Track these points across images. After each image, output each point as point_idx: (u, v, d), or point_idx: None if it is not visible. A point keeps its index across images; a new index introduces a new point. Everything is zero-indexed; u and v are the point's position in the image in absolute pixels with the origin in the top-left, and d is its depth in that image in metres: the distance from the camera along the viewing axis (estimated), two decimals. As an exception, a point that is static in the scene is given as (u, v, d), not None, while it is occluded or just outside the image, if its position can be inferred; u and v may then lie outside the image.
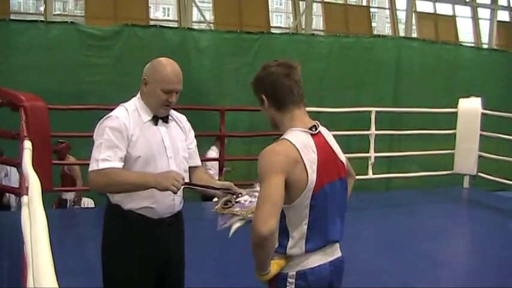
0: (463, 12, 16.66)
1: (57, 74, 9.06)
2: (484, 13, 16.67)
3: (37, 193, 2.58)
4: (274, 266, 2.37)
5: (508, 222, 7.14)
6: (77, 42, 9.28)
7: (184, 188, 2.79)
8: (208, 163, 8.67)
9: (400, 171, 9.95)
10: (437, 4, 16.03)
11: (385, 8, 17.54)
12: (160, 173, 2.71)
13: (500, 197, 9.31)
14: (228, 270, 5.10)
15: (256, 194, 2.48)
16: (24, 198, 3.20)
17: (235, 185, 2.76)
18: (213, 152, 8.84)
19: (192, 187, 2.87)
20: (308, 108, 2.51)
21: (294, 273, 2.39)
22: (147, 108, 2.87)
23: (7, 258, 5.10)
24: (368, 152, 8.38)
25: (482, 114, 8.52)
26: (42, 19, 11.13)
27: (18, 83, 7.85)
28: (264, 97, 2.43)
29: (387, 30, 19.76)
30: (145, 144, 2.80)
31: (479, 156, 8.59)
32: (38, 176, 3.02)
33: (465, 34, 17.09)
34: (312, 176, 2.32)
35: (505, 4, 17.13)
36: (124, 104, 2.92)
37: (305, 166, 2.31)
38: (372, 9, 16.74)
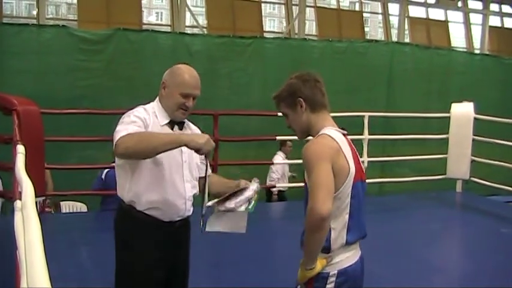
0: (455, 17, 16.74)
1: (49, 78, 9.05)
2: (476, 18, 16.75)
3: (31, 198, 2.57)
4: (318, 264, 2.47)
5: (500, 227, 7.15)
6: (69, 46, 9.26)
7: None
8: (273, 167, 9.15)
9: (393, 175, 9.98)
10: (429, 9, 16.11)
11: (377, 13, 17.56)
12: (193, 134, 2.83)
13: (492, 201, 9.34)
14: (223, 275, 5.08)
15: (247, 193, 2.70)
16: (18, 203, 3.17)
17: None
18: (279, 157, 9.22)
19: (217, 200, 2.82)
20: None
21: (336, 272, 2.51)
22: (165, 112, 2.92)
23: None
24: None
25: (475, 119, 8.54)
26: (35, 23, 11.09)
27: (10, 87, 7.83)
28: (301, 100, 2.62)
29: (380, 35, 19.76)
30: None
31: (472, 161, 8.62)
32: (31, 181, 3.00)
33: (457, 39, 17.15)
34: (352, 165, 2.50)
35: (497, 10, 17.23)
36: (142, 106, 2.96)
37: (345, 156, 2.49)
38: (364, 14, 16.74)
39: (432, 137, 9.37)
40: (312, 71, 2.75)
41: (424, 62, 12.51)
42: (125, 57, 9.63)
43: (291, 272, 2.69)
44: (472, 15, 16.72)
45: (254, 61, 10.71)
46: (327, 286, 2.49)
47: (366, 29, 17.32)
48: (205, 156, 2.81)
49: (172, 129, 2.93)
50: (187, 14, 13.14)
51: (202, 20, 13.93)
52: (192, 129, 3.08)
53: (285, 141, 9.08)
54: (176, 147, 2.70)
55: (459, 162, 8.63)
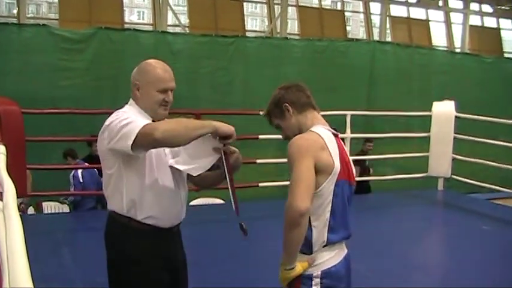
0: (436, 16, 16.89)
1: (31, 77, 8.95)
2: (456, 17, 16.91)
3: (12, 199, 2.54)
4: (298, 265, 2.45)
5: (482, 224, 7.22)
6: (50, 46, 9.18)
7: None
8: None
9: (375, 174, 10.01)
10: (410, 9, 16.24)
11: (359, 12, 17.67)
12: (220, 123, 2.65)
13: (474, 199, 9.41)
14: (208, 274, 5.08)
15: None
16: (-2, 204, 3.14)
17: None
18: None
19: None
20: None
21: (319, 272, 2.50)
22: (145, 114, 2.75)
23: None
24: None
25: (456, 117, 8.60)
26: (15, 22, 11.00)
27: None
28: (287, 105, 2.64)
29: (361, 34, 19.89)
30: (148, 152, 2.69)
31: (453, 159, 8.68)
32: (13, 181, 2.97)
33: (438, 38, 17.31)
34: (337, 163, 2.48)
35: (477, 9, 17.40)
36: (121, 109, 2.77)
37: (330, 153, 2.48)
38: (346, 14, 16.86)
39: (414, 135, 9.44)
40: (295, 81, 2.79)
41: (405, 61, 12.58)
42: (106, 57, 9.56)
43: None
44: (452, 15, 16.88)
45: (236, 60, 10.70)
46: (313, 287, 2.48)
47: (348, 28, 17.44)
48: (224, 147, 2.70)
49: None
50: (169, 13, 13.11)
51: (184, 19, 13.93)
52: None
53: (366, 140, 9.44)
54: (206, 133, 2.59)
55: (440, 160, 8.68)
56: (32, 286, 1.47)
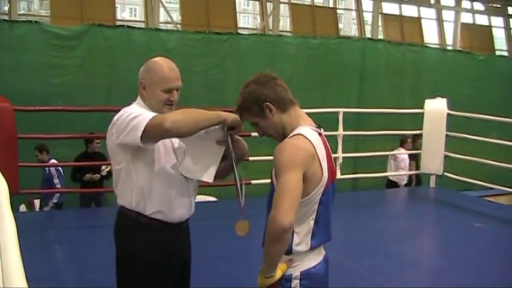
0: (428, 14, 16.92)
1: (23, 74, 8.91)
2: (448, 15, 16.95)
3: (5, 196, 2.53)
4: (278, 271, 2.39)
5: (473, 221, 7.25)
6: (42, 43, 9.14)
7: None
8: (401, 163, 9.63)
9: (366, 171, 10.04)
10: (402, 6, 16.25)
11: (351, 10, 17.69)
12: (226, 113, 2.63)
13: (466, 196, 9.45)
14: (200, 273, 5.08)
15: None
16: (-9, 202, 3.12)
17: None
18: (402, 153, 9.66)
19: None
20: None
21: (298, 273, 2.43)
22: (151, 112, 2.70)
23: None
24: (335, 153, 8.42)
25: (448, 114, 8.63)
26: (6, 18, 10.94)
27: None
28: (269, 104, 2.46)
29: (353, 32, 19.92)
30: (160, 144, 2.70)
31: (445, 156, 8.71)
32: (5, 179, 2.95)
33: (430, 36, 17.34)
34: (325, 171, 2.40)
35: (469, 7, 17.45)
36: (129, 106, 2.78)
37: (320, 161, 2.38)
38: (338, 11, 16.86)
39: (406, 132, 9.47)
40: (265, 71, 2.56)
41: (397, 59, 12.61)
42: (99, 54, 9.53)
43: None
44: (444, 12, 16.92)
45: (230, 57, 10.69)
46: None
47: (340, 26, 17.44)
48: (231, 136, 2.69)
49: None
50: (162, 10, 13.08)
51: (176, 17, 13.89)
52: None
53: (405, 137, 9.66)
54: (214, 125, 2.60)
55: (433, 157, 8.71)
56: (26, 285, 1.47)
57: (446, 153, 8.72)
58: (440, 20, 16.79)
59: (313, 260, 2.48)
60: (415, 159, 9.69)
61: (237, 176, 2.74)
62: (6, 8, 11.96)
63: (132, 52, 9.61)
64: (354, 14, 16.88)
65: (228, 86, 10.47)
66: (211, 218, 6.27)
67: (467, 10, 17.33)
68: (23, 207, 8.27)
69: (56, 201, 8.00)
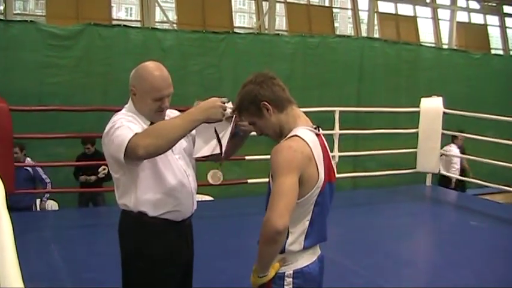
0: (423, 13, 16.95)
1: (18, 74, 8.87)
2: (444, 14, 16.98)
3: (1, 196, 2.53)
4: (271, 270, 2.40)
5: (469, 220, 7.26)
6: (38, 42, 9.08)
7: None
8: (453, 159, 9.82)
9: (365, 170, 10.05)
10: (398, 5, 16.27)
11: (347, 9, 17.70)
12: (202, 106, 2.56)
13: (461, 194, 9.47)
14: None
15: None
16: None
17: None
18: (453, 149, 9.77)
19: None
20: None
21: (291, 272, 2.44)
22: (142, 117, 2.75)
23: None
24: (332, 152, 8.42)
25: (444, 113, 8.64)
26: (2, 18, 10.91)
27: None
28: (267, 104, 2.45)
29: (349, 31, 19.92)
30: None
31: (441, 155, 8.72)
32: (1, 179, 2.95)
33: (426, 34, 17.37)
34: (322, 173, 2.40)
35: (464, 5, 17.48)
36: (119, 113, 2.76)
37: (316, 163, 2.38)
38: (334, 10, 16.85)
39: (403, 131, 9.47)
40: (263, 70, 2.56)
41: (393, 57, 12.59)
42: (96, 53, 9.49)
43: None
44: (440, 11, 16.94)
45: (226, 57, 10.65)
46: (285, 287, 2.43)
47: (336, 24, 17.45)
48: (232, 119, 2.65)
49: None
50: (157, 10, 13.06)
51: (172, 16, 13.87)
52: (174, 113, 2.91)
53: (457, 133, 9.64)
54: (195, 128, 2.57)
55: (429, 156, 8.72)
56: (22, 285, 1.47)
57: (442, 151, 8.73)
58: (436, 19, 16.82)
59: (307, 259, 2.48)
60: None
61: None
62: (2, 8, 11.93)
63: (128, 52, 9.57)
64: (349, 12, 16.89)
65: (224, 86, 10.43)
66: (207, 217, 6.26)
67: (462, 9, 17.36)
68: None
69: (48, 195, 7.99)
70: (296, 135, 2.40)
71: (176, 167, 2.76)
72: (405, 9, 16.57)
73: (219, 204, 7.81)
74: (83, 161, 8.12)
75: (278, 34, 12.54)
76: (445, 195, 8.84)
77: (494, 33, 18.35)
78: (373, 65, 12.21)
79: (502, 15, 18.05)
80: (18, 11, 13.19)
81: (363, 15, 16.15)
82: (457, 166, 10.01)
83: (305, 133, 2.42)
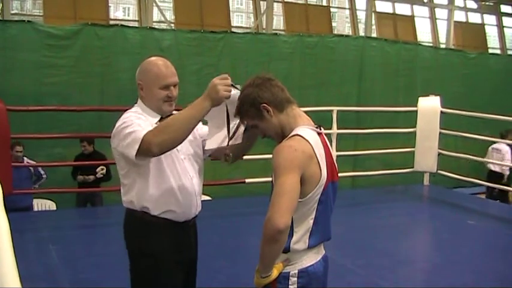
0: (421, 12, 16.96)
1: (16, 74, 8.86)
2: (441, 13, 16.99)
3: (-2, 197, 2.52)
4: (274, 271, 2.41)
5: (467, 219, 7.28)
6: (35, 42, 9.07)
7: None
8: (506, 156, 9.92)
9: (365, 169, 10.05)
10: (396, 4, 16.27)
11: (345, 8, 17.71)
12: (208, 91, 2.56)
13: (459, 194, 9.49)
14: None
15: None
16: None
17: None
18: (504, 146, 9.99)
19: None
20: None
21: (296, 271, 2.44)
22: (152, 111, 2.79)
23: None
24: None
25: (442, 112, 8.65)
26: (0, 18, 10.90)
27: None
28: (267, 106, 2.47)
29: (347, 30, 19.93)
30: None
31: (439, 154, 8.73)
32: (-1, 179, 2.95)
33: (423, 34, 17.38)
34: (324, 171, 2.40)
35: (462, 5, 17.50)
36: (129, 111, 2.79)
37: (318, 161, 2.39)
38: (332, 9, 16.86)
39: (400, 130, 9.48)
40: (261, 72, 2.59)
41: (392, 57, 12.60)
42: (93, 53, 9.47)
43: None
44: (437, 10, 16.95)
45: (225, 56, 10.64)
46: (290, 287, 2.43)
47: (334, 24, 17.46)
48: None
49: None
50: (155, 9, 13.05)
51: (169, 16, 13.86)
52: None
53: (508, 131, 9.78)
54: (205, 114, 2.58)
55: (426, 155, 8.73)
56: (20, 285, 1.47)
57: (440, 150, 8.74)
58: (433, 18, 16.82)
59: (312, 259, 2.48)
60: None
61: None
62: (-1, 8, 11.92)
63: (126, 51, 9.57)
64: (347, 12, 16.89)
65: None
66: (205, 217, 6.26)
67: (460, 8, 17.37)
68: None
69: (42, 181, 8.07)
70: (297, 135, 2.41)
71: (180, 168, 2.77)
72: (403, 9, 16.57)
73: (217, 204, 7.81)
74: (81, 161, 8.11)
75: (276, 34, 12.52)
76: (443, 194, 8.85)
77: (491, 33, 18.36)
78: (372, 65, 12.21)
79: (499, 15, 18.06)
80: (16, 11, 13.16)
81: (361, 15, 16.14)
82: (510, 162, 10.09)
83: (306, 132, 2.43)
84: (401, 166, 9.27)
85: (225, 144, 2.76)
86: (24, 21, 9.79)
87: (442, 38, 16.85)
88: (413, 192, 9.02)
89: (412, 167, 8.96)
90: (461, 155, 9.14)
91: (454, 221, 7.19)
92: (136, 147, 2.52)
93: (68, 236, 6.15)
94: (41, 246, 5.61)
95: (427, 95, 8.99)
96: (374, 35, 15.60)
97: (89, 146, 8.06)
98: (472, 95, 13.06)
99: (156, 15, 13.43)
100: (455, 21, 16.93)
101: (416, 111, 8.88)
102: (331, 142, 8.27)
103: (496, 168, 10.21)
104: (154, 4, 12.78)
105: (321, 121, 2.66)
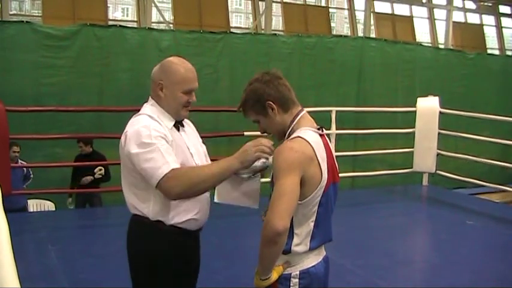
0: (419, 12, 16.97)
1: (14, 75, 8.85)
2: (440, 14, 17.00)
3: (-3, 197, 2.52)
4: (274, 273, 2.40)
5: (466, 219, 7.28)
6: (34, 43, 9.06)
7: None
8: None
9: (364, 170, 10.05)
10: (394, 5, 16.29)
11: (343, 9, 17.72)
12: (239, 152, 2.52)
13: (458, 194, 9.49)
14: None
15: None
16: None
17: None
18: None
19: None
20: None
21: (298, 272, 2.43)
22: (168, 114, 2.68)
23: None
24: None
25: (440, 113, 8.65)
26: (-2, 19, 10.90)
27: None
28: (272, 103, 2.46)
29: (346, 31, 19.93)
30: (179, 151, 2.63)
31: (438, 154, 8.73)
32: (-2, 180, 2.95)
33: (422, 34, 17.40)
34: (325, 174, 2.39)
35: (460, 5, 17.52)
36: (143, 113, 2.65)
37: (319, 163, 2.37)
38: (330, 10, 16.87)
39: (399, 131, 9.48)
40: (271, 70, 2.56)
41: (391, 57, 12.59)
42: (92, 54, 9.46)
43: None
44: (436, 11, 16.97)
45: (224, 57, 10.63)
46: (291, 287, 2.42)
47: (332, 24, 17.45)
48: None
49: (178, 130, 2.72)
50: (154, 10, 13.05)
51: (168, 16, 13.86)
52: (188, 124, 2.90)
53: None
54: (231, 174, 2.54)
55: (425, 155, 8.73)
56: (19, 285, 1.47)
57: (439, 151, 8.74)
58: (432, 19, 16.84)
59: (313, 260, 2.48)
60: None
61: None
62: (-2, 8, 11.91)
63: (125, 52, 9.56)
64: (346, 13, 16.90)
65: (221, 86, 10.42)
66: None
67: (458, 9, 17.39)
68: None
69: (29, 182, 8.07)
70: (298, 137, 2.40)
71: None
72: (401, 9, 16.59)
73: (216, 204, 7.79)
74: (80, 161, 8.08)
75: (275, 34, 12.51)
76: (442, 194, 8.85)
77: (490, 33, 18.38)
78: (371, 65, 12.21)
79: (498, 15, 18.09)
80: (15, 12, 13.15)
81: (359, 15, 16.15)
82: None
83: (308, 134, 2.42)
84: (401, 166, 9.27)
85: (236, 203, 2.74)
86: (22, 21, 9.78)
87: (441, 39, 16.87)
88: (412, 192, 9.02)
89: (411, 168, 8.96)
90: (460, 156, 9.14)
91: (453, 221, 7.19)
92: (155, 182, 2.46)
93: (67, 236, 6.14)
94: (40, 246, 5.61)
95: (426, 96, 8.99)
96: (373, 35, 15.61)
97: (86, 146, 8.01)
98: (471, 95, 13.06)
99: (155, 16, 13.43)
100: (454, 22, 16.96)
101: (415, 111, 8.88)
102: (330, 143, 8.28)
103: None
104: (153, 4, 12.78)
105: (320, 121, 2.65)
